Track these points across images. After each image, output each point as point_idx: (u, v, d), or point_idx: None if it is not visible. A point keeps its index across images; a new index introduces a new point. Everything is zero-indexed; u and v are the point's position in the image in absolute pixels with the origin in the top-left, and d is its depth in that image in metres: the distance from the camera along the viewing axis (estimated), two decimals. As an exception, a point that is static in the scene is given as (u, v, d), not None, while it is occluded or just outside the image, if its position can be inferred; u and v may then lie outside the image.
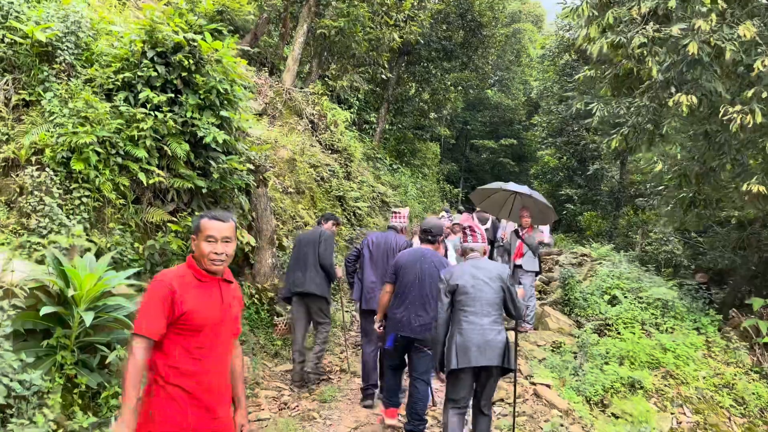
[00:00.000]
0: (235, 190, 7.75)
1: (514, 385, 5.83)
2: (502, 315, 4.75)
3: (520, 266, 8.84)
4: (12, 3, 6.55)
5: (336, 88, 15.09)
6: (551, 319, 8.81)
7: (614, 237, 24.85)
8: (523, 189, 8.72)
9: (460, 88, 27.55)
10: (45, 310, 3.35)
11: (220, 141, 6.99)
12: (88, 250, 4.76)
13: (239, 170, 7.41)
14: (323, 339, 7.10)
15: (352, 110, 22.00)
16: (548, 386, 6.35)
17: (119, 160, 6.47)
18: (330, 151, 14.01)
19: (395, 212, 6.86)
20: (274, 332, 7.97)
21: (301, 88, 14.88)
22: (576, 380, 6.75)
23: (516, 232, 9.01)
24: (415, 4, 16.90)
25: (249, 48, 16.09)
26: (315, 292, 6.89)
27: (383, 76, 16.67)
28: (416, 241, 7.33)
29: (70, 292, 3.49)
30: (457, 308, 4.63)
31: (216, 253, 2.65)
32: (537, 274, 9.07)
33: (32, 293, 3.55)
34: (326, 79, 15.75)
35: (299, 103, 14.14)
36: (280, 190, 11.00)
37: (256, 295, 7.86)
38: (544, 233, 9.13)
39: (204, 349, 2.63)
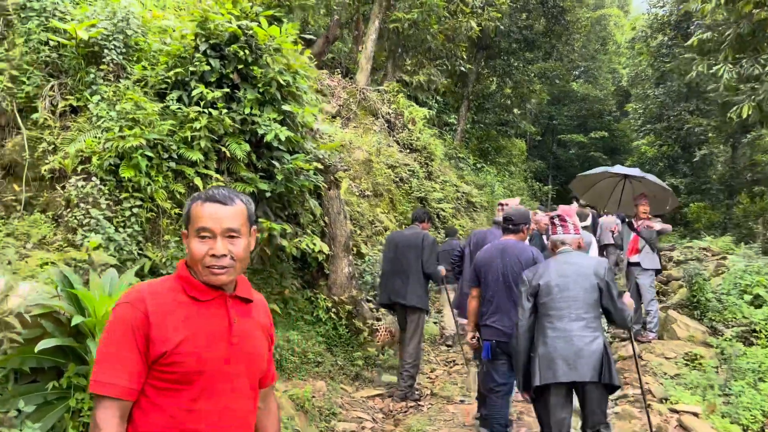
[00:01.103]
0: (306, 193, 6.97)
1: (647, 413, 4.64)
2: (599, 318, 3.79)
3: (636, 264, 7.50)
4: (56, 2, 6.08)
5: (413, 84, 14.17)
6: (678, 326, 7.40)
7: (728, 228, 22.40)
8: (634, 171, 7.39)
9: (544, 79, 25.94)
10: (44, 344, 2.60)
11: (283, 138, 6.22)
12: (113, 265, 4.03)
13: (306, 170, 6.61)
14: (414, 360, 6.20)
15: (431, 112, 21.07)
16: (695, 414, 5.07)
17: (173, 164, 5.83)
18: (408, 151, 13.09)
19: (501, 204, 5.82)
20: (375, 339, 7.15)
21: (377, 87, 14.08)
22: (725, 403, 5.40)
23: (630, 223, 7.66)
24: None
25: (319, 51, 15.52)
26: (417, 305, 6.19)
27: (462, 68, 15.60)
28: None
29: (78, 320, 2.73)
30: (541, 313, 3.83)
31: (214, 256, 1.63)
32: (658, 272, 7.70)
33: (35, 322, 2.82)
34: (402, 75, 14.87)
35: (374, 102, 13.35)
36: (357, 193, 10.18)
37: (333, 309, 7.02)
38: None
39: (200, 413, 1.62)
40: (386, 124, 13.29)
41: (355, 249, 8.64)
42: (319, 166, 6.95)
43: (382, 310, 7.61)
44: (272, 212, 6.61)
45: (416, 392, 6.22)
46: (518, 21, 22.59)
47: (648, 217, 7.64)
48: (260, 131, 6.21)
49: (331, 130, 10.00)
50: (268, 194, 6.26)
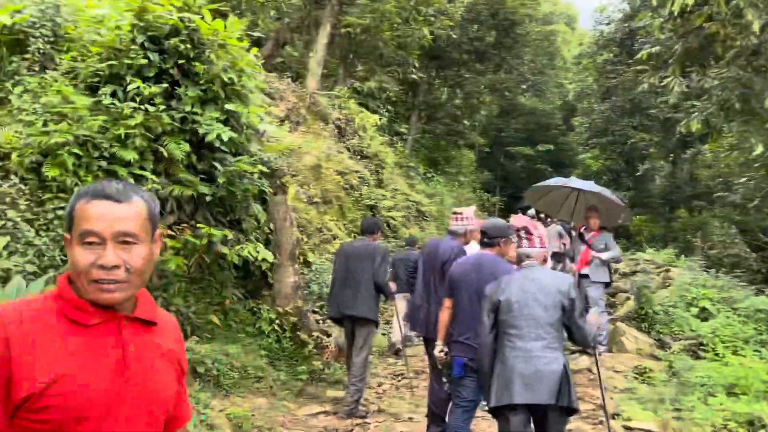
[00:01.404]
0: (249, 198, 6.60)
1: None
2: (561, 338, 3.59)
3: (586, 276, 7.46)
4: (-24, -15, 5.58)
5: (364, 90, 13.95)
6: (627, 338, 7.38)
7: (668, 241, 23.07)
8: (588, 185, 7.34)
9: (494, 91, 26.18)
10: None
11: (226, 139, 5.85)
12: (31, 273, 3.61)
13: (250, 173, 6.25)
14: (361, 374, 5.91)
15: (381, 120, 20.91)
16: (650, 431, 4.96)
17: (104, 164, 5.39)
18: (359, 157, 12.84)
19: (455, 213, 5.46)
20: (324, 355, 6.81)
21: (327, 92, 13.78)
22: (677, 419, 5.33)
23: (581, 235, 7.61)
24: (446, -4, 15.71)
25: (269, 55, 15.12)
26: (368, 316, 5.84)
27: (413, 76, 15.49)
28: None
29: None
30: (501, 330, 3.62)
31: (103, 267, 1.25)
32: (607, 285, 7.67)
33: None
34: (353, 81, 14.63)
35: (324, 107, 13.04)
36: (305, 200, 9.84)
37: (277, 321, 6.67)
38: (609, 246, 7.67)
39: None
40: (336, 130, 13.01)
41: (302, 257, 8.30)
42: (265, 169, 6.60)
43: (329, 321, 7.31)
44: (213, 217, 6.22)
45: (362, 408, 5.92)
46: (469, 32, 22.71)
47: (598, 230, 7.62)
48: (201, 131, 5.83)
49: (279, 133, 9.64)
50: (208, 198, 5.88)
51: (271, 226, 7.01)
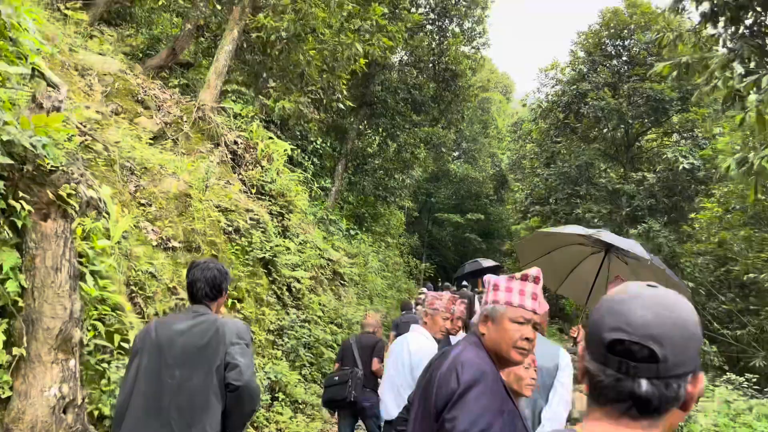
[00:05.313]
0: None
1: None
2: None
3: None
4: None
5: (275, 110, 10.75)
6: None
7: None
8: (625, 243, 4.20)
9: (430, 146, 23.71)
10: None
11: None
12: None
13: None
14: None
15: (306, 173, 17.79)
16: None
17: None
18: (257, 194, 9.47)
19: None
20: None
21: (220, 105, 10.49)
22: None
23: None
24: (387, 13, 12.96)
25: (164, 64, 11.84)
26: None
27: (340, 105, 12.47)
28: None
29: None
30: None
31: None
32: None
33: None
34: (263, 99, 11.44)
35: (216, 127, 9.70)
36: (154, 242, 6.34)
37: (0, 485, 3.06)
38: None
39: None
40: (230, 157, 9.66)
41: (117, 339, 4.74)
42: (3, 159, 3.15)
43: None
44: None
45: None
46: (408, 78, 20.33)
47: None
48: None
49: (119, 136, 6.24)
50: None
51: (26, 280, 3.48)
